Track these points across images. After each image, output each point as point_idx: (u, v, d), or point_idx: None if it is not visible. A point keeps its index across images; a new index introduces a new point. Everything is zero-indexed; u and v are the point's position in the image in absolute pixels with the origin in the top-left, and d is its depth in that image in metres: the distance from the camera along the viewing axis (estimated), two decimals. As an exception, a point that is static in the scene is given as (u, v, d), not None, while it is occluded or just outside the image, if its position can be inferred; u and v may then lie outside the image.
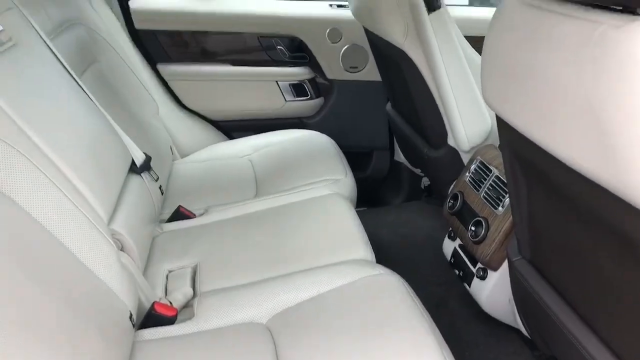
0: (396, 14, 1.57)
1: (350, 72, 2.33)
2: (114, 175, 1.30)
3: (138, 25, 2.17)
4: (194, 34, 2.25)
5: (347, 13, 2.18)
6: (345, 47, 2.29)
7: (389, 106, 2.23)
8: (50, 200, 0.95)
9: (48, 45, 1.33)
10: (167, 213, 1.61)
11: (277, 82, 2.31)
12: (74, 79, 1.36)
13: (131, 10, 2.15)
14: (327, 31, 2.26)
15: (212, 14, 2.21)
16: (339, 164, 1.84)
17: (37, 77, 1.18)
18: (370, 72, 2.31)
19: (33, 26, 1.31)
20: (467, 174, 1.58)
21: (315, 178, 1.73)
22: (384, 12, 1.61)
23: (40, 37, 1.32)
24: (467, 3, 2.61)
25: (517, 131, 0.85)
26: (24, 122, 1.02)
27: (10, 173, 0.89)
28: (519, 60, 0.80)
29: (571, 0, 0.70)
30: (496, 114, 0.95)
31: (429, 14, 1.53)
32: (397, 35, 1.60)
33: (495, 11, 0.90)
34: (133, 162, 1.44)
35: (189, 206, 1.62)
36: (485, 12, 2.36)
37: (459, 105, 1.62)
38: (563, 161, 0.73)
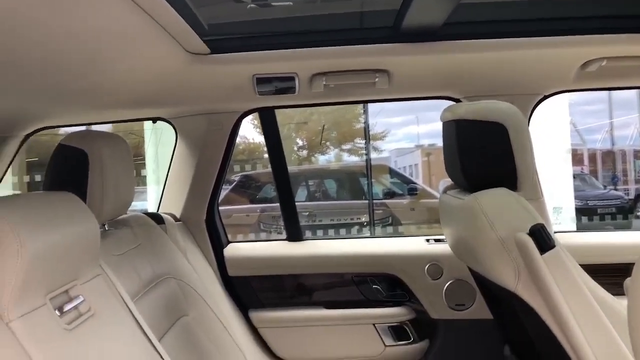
0: (503, 257, 1.37)
1: (457, 310, 2.09)
2: None
3: (231, 272, 2.16)
4: (287, 277, 2.20)
5: (446, 247, 2.03)
6: (449, 282, 2.09)
7: (507, 351, 1.90)
8: None
9: (130, 310, 1.29)
10: None
11: (374, 324, 2.11)
12: (152, 345, 1.28)
13: (225, 259, 2.17)
14: (426, 267, 2.11)
15: (306, 257, 2.17)
16: None
17: (107, 351, 1.10)
18: (480, 310, 2.04)
19: (118, 291, 1.30)
20: None
21: None
22: (488, 254, 1.41)
23: (124, 302, 1.29)
24: (575, 229, 2.42)
25: None
26: None
27: None
28: None
29: None
30: None
31: (541, 254, 1.32)
32: (507, 279, 1.38)
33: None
34: None
35: None
36: (598, 237, 2.15)
37: (599, 360, 1.29)
38: None
